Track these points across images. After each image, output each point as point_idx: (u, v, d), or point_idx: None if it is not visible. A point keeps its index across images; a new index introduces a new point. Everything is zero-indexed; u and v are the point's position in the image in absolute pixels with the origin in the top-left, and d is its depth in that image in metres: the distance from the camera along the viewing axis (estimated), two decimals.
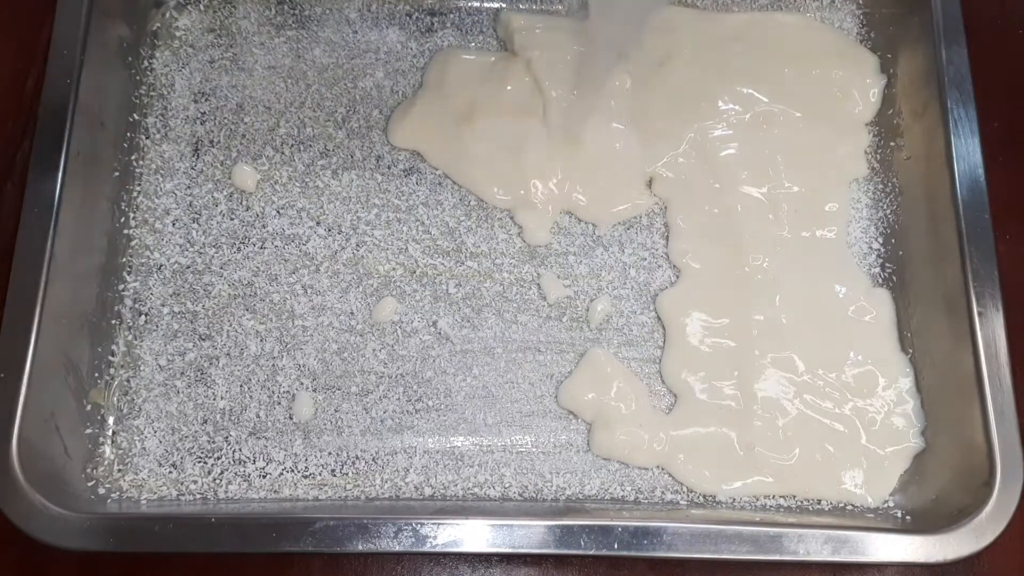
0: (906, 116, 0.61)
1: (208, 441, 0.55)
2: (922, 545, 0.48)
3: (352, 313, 0.58)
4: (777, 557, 0.48)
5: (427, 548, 0.47)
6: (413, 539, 0.47)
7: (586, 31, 0.61)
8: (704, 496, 0.54)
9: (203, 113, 0.62)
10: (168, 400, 0.55)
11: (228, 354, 0.57)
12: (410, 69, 0.64)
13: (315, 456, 0.55)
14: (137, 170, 0.60)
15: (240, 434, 0.55)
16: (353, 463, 0.55)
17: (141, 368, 0.56)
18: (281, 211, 0.60)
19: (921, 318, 0.57)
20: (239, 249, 0.59)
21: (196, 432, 0.55)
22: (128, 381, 0.56)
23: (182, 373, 0.56)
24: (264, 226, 0.59)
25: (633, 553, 0.48)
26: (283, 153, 0.61)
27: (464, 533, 0.48)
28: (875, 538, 0.48)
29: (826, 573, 0.53)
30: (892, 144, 0.61)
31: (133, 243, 0.58)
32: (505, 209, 0.60)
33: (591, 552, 0.47)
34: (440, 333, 0.58)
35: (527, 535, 0.48)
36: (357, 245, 0.59)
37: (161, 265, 0.58)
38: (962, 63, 0.57)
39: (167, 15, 0.63)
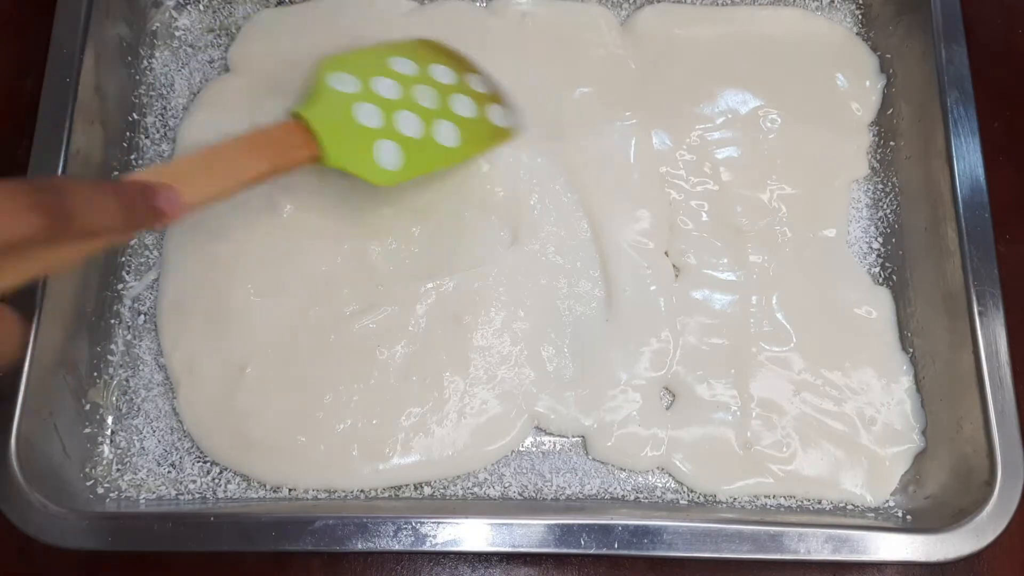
0: (906, 116, 0.61)
1: None
2: (922, 544, 0.48)
3: None
4: (777, 556, 0.48)
5: (427, 547, 0.47)
6: (413, 538, 0.47)
7: None
8: (704, 496, 0.54)
9: None
10: (167, 399, 0.55)
11: None
12: None
13: None
14: (137, 170, 0.60)
15: None
16: None
17: (140, 367, 0.56)
18: None
19: (921, 317, 0.57)
20: None
21: None
22: (127, 380, 0.56)
23: None
24: None
25: (633, 552, 0.47)
26: None
27: (464, 532, 0.48)
28: (875, 537, 0.48)
29: (826, 572, 0.53)
30: (892, 144, 0.61)
31: (133, 243, 0.58)
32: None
33: (591, 551, 0.47)
34: None
35: (527, 534, 0.48)
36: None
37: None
38: (962, 63, 0.57)
39: (167, 15, 0.63)
